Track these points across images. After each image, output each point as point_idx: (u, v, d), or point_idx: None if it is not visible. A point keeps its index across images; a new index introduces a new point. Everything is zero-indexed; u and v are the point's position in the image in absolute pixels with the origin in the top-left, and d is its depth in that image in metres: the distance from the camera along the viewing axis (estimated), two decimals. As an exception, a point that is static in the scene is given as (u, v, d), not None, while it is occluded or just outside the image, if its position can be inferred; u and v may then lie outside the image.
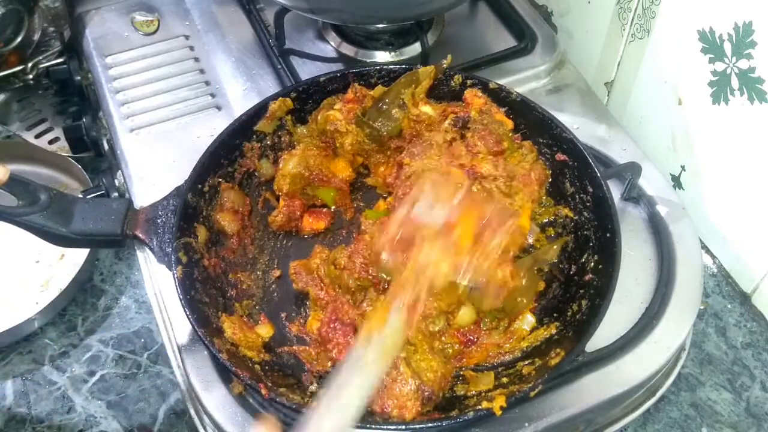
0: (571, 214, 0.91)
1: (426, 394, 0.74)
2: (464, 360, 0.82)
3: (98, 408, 0.93)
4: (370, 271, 0.82)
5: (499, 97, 0.95)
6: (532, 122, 0.94)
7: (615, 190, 0.91)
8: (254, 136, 0.95)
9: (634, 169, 0.93)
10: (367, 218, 0.88)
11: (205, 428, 0.83)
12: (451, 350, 0.81)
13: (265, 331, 0.84)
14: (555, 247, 0.89)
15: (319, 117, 0.97)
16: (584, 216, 0.89)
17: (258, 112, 0.94)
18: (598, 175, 0.86)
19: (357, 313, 0.81)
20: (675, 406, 0.90)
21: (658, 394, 0.88)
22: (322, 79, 0.97)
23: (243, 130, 0.94)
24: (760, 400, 0.90)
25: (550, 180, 0.93)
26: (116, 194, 1.06)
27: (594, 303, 0.80)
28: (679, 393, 0.91)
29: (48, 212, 0.82)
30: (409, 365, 0.75)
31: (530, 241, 0.91)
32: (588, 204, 0.89)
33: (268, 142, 0.96)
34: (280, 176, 0.93)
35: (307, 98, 0.97)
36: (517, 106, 0.95)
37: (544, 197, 0.94)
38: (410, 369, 0.75)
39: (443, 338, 0.82)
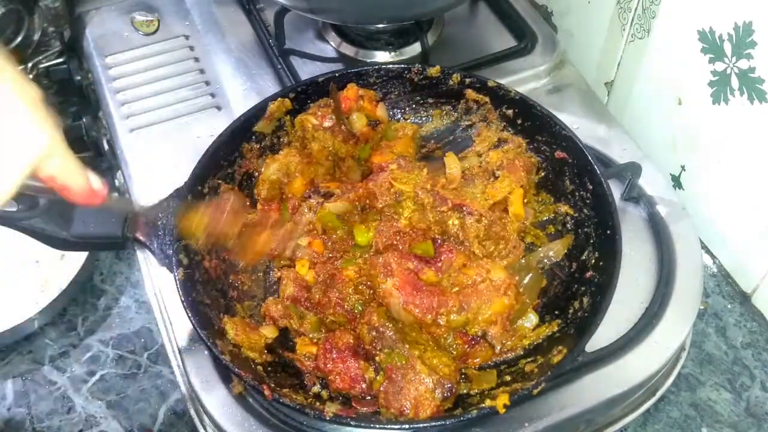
0: (571, 212, 0.91)
1: (447, 386, 0.75)
2: (469, 360, 0.82)
3: (98, 408, 0.93)
4: (346, 306, 0.82)
5: (498, 95, 0.96)
6: (531, 120, 0.94)
7: (615, 190, 0.91)
8: (253, 137, 0.95)
9: (634, 169, 0.93)
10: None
11: (205, 428, 0.83)
12: (455, 351, 0.81)
13: (269, 331, 0.83)
14: (560, 244, 0.89)
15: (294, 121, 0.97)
16: (584, 213, 0.89)
17: (257, 113, 0.94)
18: (598, 172, 0.87)
19: (352, 335, 0.80)
20: (675, 406, 0.90)
21: (658, 394, 0.88)
22: (320, 79, 0.97)
23: (242, 131, 0.93)
24: (760, 400, 0.90)
25: (537, 167, 0.94)
26: (116, 194, 1.06)
27: (595, 300, 0.80)
28: (679, 393, 0.91)
29: (48, 215, 0.81)
30: (424, 363, 0.76)
31: (526, 221, 0.91)
32: (588, 201, 0.89)
33: (267, 143, 0.96)
34: (260, 181, 0.93)
35: (306, 99, 0.97)
36: (516, 105, 0.95)
37: (544, 194, 0.94)
38: (426, 366, 0.75)
39: (448, 339, 0.82)
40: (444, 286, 0.82)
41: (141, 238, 0.85)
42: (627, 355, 0.83)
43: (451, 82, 0.98)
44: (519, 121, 0.95)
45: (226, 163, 0.92)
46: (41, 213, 0.81)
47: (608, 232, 0.84)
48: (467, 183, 0.92)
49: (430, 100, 1.01)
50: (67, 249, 0.86)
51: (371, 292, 0.83)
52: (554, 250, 0.89)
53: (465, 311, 0.81)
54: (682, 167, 1.04)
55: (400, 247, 0.85)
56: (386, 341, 0.78)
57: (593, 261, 0.85)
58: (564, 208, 0.92)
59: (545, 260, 0.89)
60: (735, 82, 0.89)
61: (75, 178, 0.60)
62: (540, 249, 0.89)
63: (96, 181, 0.62)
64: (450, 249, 0.84)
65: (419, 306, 0.79)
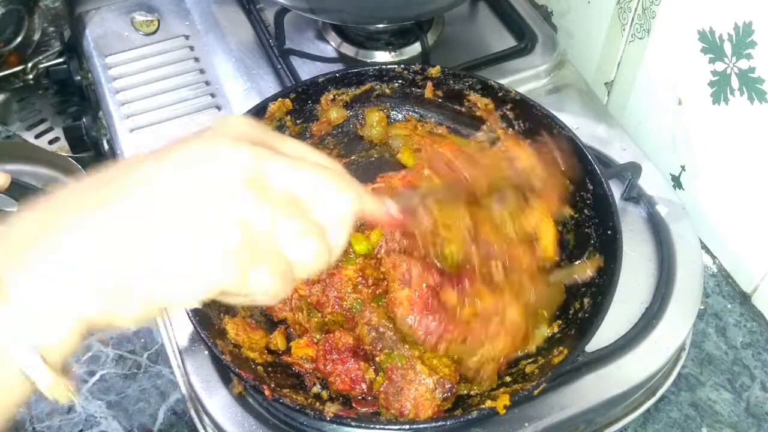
0: (571, 212, 0.91)
1: (447, 386, 0.74)
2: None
3: (98, 408, 0.92)
4: (344, 305, 0.81)
5: (498, 96, 0.96)
6: (532, 121, 0.94)
7: (615, 190, 0.91)
8: (254, 137, 0.95)
9: (634, 169, 0.93)
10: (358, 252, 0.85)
11: (205, 428, 0.83)
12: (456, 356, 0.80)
13: (280, 341, 0.83)
14: (590, 266, 0.84)
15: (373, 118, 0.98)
16: (585, 214, 0.89)
17: (257, 113, 0.94)
18: (599, 173, 0.86)
19: (352, 336, 0.79)
20: (675, 406, 0.90)
21: (658, 394, 0.88)
22: (321, 79, 0.97)
23: (243, 130, 0.94)
24: (760, 400, 0.90)
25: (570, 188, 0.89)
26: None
27: (596, 301, 0.80)
28: (679, 393, 0.91)
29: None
30: (424, 363, 0.75)
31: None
32: (588, 202, 0.89)
33: None
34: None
35: (306, 99, 0.97)
36: (517, 106, 0.95)
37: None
38: (426, 367, 0.75)
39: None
40: (455, 311, 0.78)
41: (141, 238, 0.84)
42: (627, 355, 0.83)
43: (451, 83, 0.98)
44: (520, 122, 0.95)
45: (227, 163, 0.92)
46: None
47: (609, 232, 0.84)
48: (500, 198, 0.87)
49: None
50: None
51: (370, 291, 0.82)
52: (582, 270, 0.84)
53: (466, 345, 0.76)
54: (682, 167, 1.04)
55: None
56: (386, 342, 0.77)
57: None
58: (564, 208, 0.92)
59: (572, 278, 0.85)
60: (735, 82, 0.89)
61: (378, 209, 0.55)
62: (569, 269, 0.86)
63: (392, 207, 0.56)
64: (473, 271, 0.79)
65: (424, 328, 0.76)
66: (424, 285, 0.78)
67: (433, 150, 0.92)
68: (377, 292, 0.83)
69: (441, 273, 0.79)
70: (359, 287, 0.82)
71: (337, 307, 0.82)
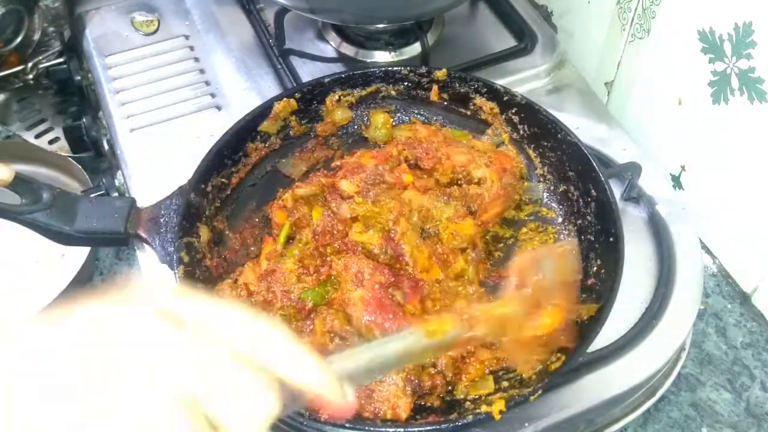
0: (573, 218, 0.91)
1: (415, 381, 0.74)
2: (463, 376, 0.79)
3: (98, 408, 0.92)
4: (292, 297, 0.79)
5: (504, 100, 0.95)
6: (537, 126, 0.94)
7: (615, 190, 0.91)
8: (258, 137, 0.95)
9: (634, 169, 0.93)
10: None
11: (205, 428, 0.83)
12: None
13: None
14: (592, 308, 0.81)
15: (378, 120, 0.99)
16: (587, 220, 0.89)
17: (262, 112, 0.94)
18: (603, 179, 0.86)
19: (307, 341, 0.77)
20: (675, 406, 0.90)
21: (658, 394, 0.88)
22: (326, 80, 0.97)
23: (247, 130, 0.94)
24: (760, 400, 0.91)
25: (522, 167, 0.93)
26: (116, 194, 1.06)
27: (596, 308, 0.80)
28: (679, 393, 0.91)
29: (51, 210, 0.82)
30: None
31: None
32: (591, 208, 0.89)
33: (273, 143, 0.96)
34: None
35: (311, 99, 0.97)
36: (522, 109, 0.95)
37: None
38: None
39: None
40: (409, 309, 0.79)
41: (143, 234, 0.85)
42: (627, 355, 0.83)
43: (457, 86, 0.98)
44: (525, 126, 0.95)
45: (230, 162, 0.92)
46: (45, 208, 0.82)
47: (611, 239, 0.83)
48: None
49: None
50: (69, 244, 0.86)
51: (313, 278, 0.81)
52: (584, 312, 0.81)
53: None
54: (682, 167, 1.04)
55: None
56: (351, 346, 0.76)
57: (595, 269, 0.85)
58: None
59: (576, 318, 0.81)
60: (735, 82, 0.89)
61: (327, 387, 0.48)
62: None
63: (349, 392, 0.49)
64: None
65: (380, 327, 0.77)
66: (376, 285, 0.79)
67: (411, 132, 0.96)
68: (320, 279, 0.81)
69: (392, 271, 0.80)
70: (302, 277, 0.81)
71: (285, 300, 0.79)
